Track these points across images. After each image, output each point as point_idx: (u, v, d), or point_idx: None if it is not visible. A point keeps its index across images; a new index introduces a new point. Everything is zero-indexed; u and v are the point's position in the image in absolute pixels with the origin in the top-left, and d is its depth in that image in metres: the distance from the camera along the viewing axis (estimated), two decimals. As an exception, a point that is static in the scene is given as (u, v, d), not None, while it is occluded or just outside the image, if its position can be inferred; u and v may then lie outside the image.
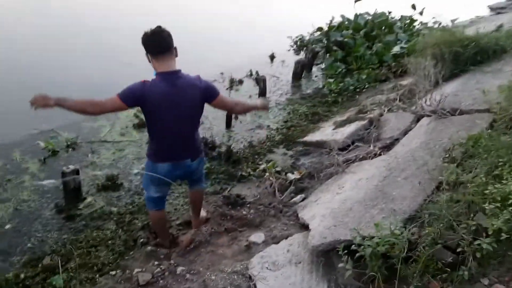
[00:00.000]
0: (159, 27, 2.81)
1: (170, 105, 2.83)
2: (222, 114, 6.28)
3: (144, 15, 11.71)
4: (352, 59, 8.73)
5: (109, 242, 3.69)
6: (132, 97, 2.77)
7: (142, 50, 2.85)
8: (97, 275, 3.29)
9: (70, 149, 5.19)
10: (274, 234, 3.49)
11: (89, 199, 4.29)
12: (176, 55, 2.89)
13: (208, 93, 2.97)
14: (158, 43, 2.79)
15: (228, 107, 3.31)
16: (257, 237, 3.49)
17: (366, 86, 7.42)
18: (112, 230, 3.87)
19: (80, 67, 8.00)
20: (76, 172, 4.15)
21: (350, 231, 2.79)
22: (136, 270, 3.25)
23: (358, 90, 7.38)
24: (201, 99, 2.95)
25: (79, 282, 3.22)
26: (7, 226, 3.89)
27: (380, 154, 4.41)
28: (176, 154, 3.06)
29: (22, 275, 3.31)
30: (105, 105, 2.78)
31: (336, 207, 3.37)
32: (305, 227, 3.45)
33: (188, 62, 8.47)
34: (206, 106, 3.07)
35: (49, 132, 5.54)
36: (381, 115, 5.51)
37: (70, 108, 2.75)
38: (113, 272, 3.30)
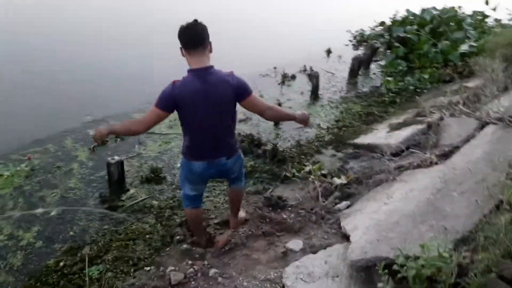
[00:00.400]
0: (195, 21, 2.70)
1: (200, 103, 2.74)
2: (271, 111, 6.14)
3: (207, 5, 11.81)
4: (415, 56, 8.27)
5: (147, 236, 3.68)
6: (167, 103, 2.73)
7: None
8: (132, 270, 3.28)
9: (119, 139, 5.27)
10: (313, 243, 3.30)
11: (132, 190, 4.32)
12: (211, 51, 2.78)
13: (239, 91, 2.81)
14: (191, 37, 2.69)
15: (259, 109, 2.94)
16: (295, 244, 3.31)
17: (428, 86, 6.99)
18: (151, 224, 3.86)
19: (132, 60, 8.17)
20: (121, 163, 4.18)
21: (394, 250, 2.55)
22: (169, 268, 3.20)
23: (418, 90, 6.94)
24: (233, 96, 2.81)
25: (114, 275, 3.23)
26: (53, 213, 3.99)
27: (436, 163, 4.06)
28: (209, 152, 2.96)
29: (61, 263, 3.38)
30: (147, 119, 2.79)
31: (382, 219, 3.13)
32: (346, 237, 3.23)
33: (242, 55, 8.45)
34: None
35: (101, 121, 5.68)
36: (441, 119, 5.12)
37: (119, 132, 3.09)
38: (148, 268, 3.27)
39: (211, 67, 2.77)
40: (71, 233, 3.77)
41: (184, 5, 12.83)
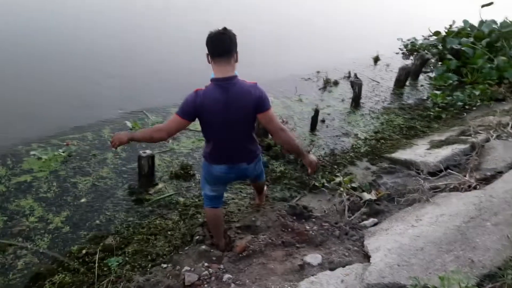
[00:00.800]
0: (224, 29, 2.72)
1: (221, 113, 2.76)
2: (308, 115, 6.05)
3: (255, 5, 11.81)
4: (468, 71, 7.86)
5: (169, 233, 3.71)
6: (189, 111, 2.77)
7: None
8: (150, 265, 3.32)
9: (155, 134, 5.35)
10: (333, 259, 3.19)
11: (160, 185, 4.37)
12: (236, 60, 2.78)
13: (259, 103, 2.80)
14: (217, 45, 2.70)
15: (273, 127, 2.90)
16: (314, 258, 3.22)
17: (478, 104, 6.61)
18: (174, 221, 3.88)
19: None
20: (151, 157, 4.24)
21: (412, 279, 2.41)
22: (185, 268, 3.21)
23: (467, 107, 6.60)
24: (253, 107, 2.80)
25: (131, 268, 3.28)
26: (83, 200, 4.11)
27: (475, 188, 3.83)
28: (230, 158, 3.03)
29: (84, 251, 3.47)
30: (169, 127, 2.86)
31: (406, 243, 2.98)
32: (368, 257, 3.11)
33: (286, 57, 8.36)
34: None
35: (139, 113, 5.80)
36: (487, 140, 4.83)
37: (140, 140, 3.23)
38: (164, 265, 3.29)
39: (235, 77, 2.78)
40: (97, 221, 3.87)
41: (234, 4, 12.92)
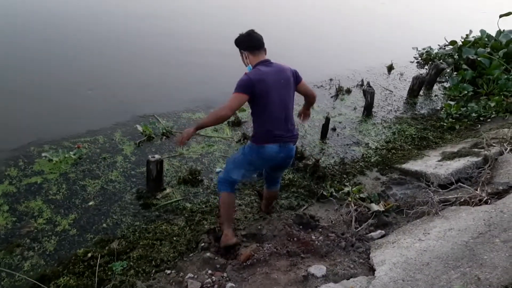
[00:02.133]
0: (253, 30, 3.39)
1: (273, 82, 3.26)
2: (319, 123, 6.02)
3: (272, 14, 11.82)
4: (483, 81, 7.72)
5: (174, 239, 3.71)
6: (247, 86, 3.19)
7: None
8: (154, 271, 3.33)
9: (164, 137, 5.38)
10: (337, 271, 3.15)
11: (168, 190, 4.39)
12: (265, 54, 3.43)
13: (297, 75, 3.47)
14: (256, 40, 3.37)
15: (309, 90, 3.66)
16: (318, 269, 3.18)
17: (493, 115, 6.48)
18: (181, 226, 3.89)
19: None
20: (160, 162, 4.26)
21: (416, 295, 2.37)
22: (189, 275, 3.21)
23: (481, 119, 6.48)
24: (294, 78, 3.42)
25: (135, 273, 3.28)
26: (91, 203, 4.14)
27: (486, 202, 3.75)
28: (282, 131, 3.34)
29: (89, 254, 3.49)
30: (231, 103, 3.19)
31: (412, 257, 2.93)
32: (373, 270, 3.07)
33: (300, 63, 8.35)
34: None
35: (151, 117, 5.83)
36: (500, 154, 4.73)
37: (207, 124, 3.47)
38: (168, 272, 3.30)
39: (270, 60, 3.41)
40: (104, 225, 3.90)
41: (253, 11, 12.97)
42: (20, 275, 3.25)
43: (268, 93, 3.23)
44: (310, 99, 3.73)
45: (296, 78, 3.45)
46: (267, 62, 3.35)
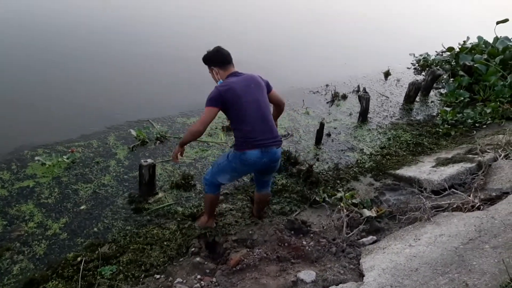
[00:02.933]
0: (220, 47, 3.55)
1: (241, 87, 3.34)
2: (314, 129, 6.01)
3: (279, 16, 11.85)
4: (480, 88, 7.74)
5: (165, 243, 3.68)
6: (215, 99, 3.29)
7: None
8: (143, 275, 3.30)
9: (158, 142, 5.38)
10: (326, 277, 3.13)
11: (160, 194, 4.38)
12: (233, 67, 3.55)
13: (268, 84, 3.58)
14: (225, 55, 3.51)
15: (280, 99, 3.74)
16: (307, 275, 3.16)
17: (489, 122, 6.48)
18: (172, 231, 3.86)
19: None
20: (152, 166, 4.24)
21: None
22: (177, 279, 3.20)
23: (477, 125, 6.47)
24: (266, 86, 3.53)
25: (124, 277, 3.26)
26: (82, 207, 4.13)
27: (478, 208, 3.74)
28: (262, 135, 3.37)
29: (79, 258, 3.47)
30: (202, 119, 3.32)
31: (401, 263, 2.92)
32: (362, 276, 3.05)
33: (295, 69, 8.35)
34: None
35: (145, 122, 5.83)
36: (494, 160, 4.73)
37: (186, 140, 3.59)
38: (158, 276, 3.28)
39: (239, 71, 3.53)
40: (95, 229, 3.88)
41: (249, 17, 13.02)
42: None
43: (240, 97, 3.31)
44: (279, 108, 3.82)
45: (267, 86, 3.56)
46: (236, 73, 3.48)
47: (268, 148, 3.38)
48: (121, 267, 3.37)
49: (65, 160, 4.70)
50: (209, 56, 3.51)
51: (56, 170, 4.59)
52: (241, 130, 3.38)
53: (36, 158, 4.65)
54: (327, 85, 8.01)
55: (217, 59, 3.49)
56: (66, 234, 3.78)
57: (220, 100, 3.29)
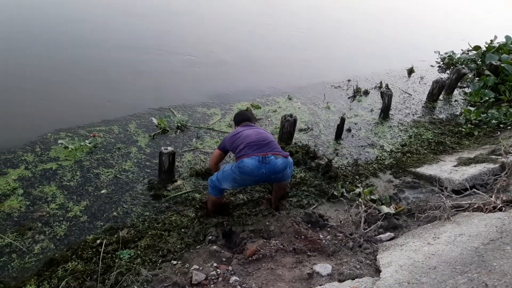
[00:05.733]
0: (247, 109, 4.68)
1: (247, 130, 3.79)
2: (334, 124, 5.97)
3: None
4: (506, 88, 7.55)
5: (182, 230, 3.73)
6: (222, 143, 3.88)
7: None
8: (160, 260, 3.35)
9: (179, 131, 5.41)
10: (343, 270, 3.12)
11: (178, 182, 4.41)
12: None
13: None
14: (244, 116, 4.19)
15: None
16: (323, 268, 3.16)
17: (514, 123, 6.33)
18: (190, 218, 3.90)
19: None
20: (172, 154, 4.28)
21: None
22: (194, 266, 3.23)
23: (501, 126, 6.32)
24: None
25: (142, 262, 3.31)
26: (103, 191, 4.20)
27: (500, 209, 3.67)
28: (260, 148, 3.55)
29: (98, 241, 3.53)
30: (211, 159, 4.12)
31: (419, 261, 2.89)
32: (379, 272, 3.03)
33: (319, 63, 8.29)
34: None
35: (166, 110, 5.87)
36: (518, 161, 4.62)
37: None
38: (174, 262, 3.32)
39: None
40: (115, 213, 3.94)
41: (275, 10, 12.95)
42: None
43: (242, 133, 3.73)
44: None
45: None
46: (248, 124, 3.99)
47: (266, 158, 3.51)
48: (139, 252, 3.42)
49: (87, 144, 4.77)
50: (235, 115, 4.23)
51: (79, 154, 4.67)
52: (241, 147, 3.61)
53: (59, 141, 4.74)
54: (349, 80, 7.92)
55: (238, 118, 4.14)
56: (86, 216, 3.86)
57: (224, 145, 3.84)
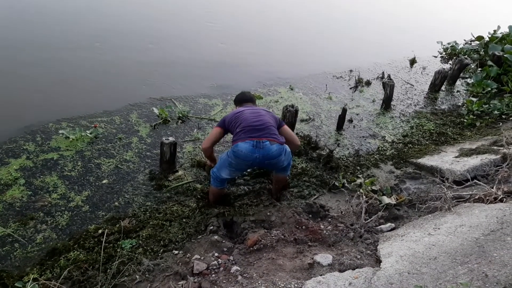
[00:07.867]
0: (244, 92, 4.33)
1: (245, 110, 3.76)
2: (336, 114, 5.96)
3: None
4: (508, 79, 7.51)
5: (184, 220, 3.74)
6: (222, 121, 3.84)
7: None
8: (161, 250, 3.36)
9: (180, 121, 5.40)
10: (343, 260, 3.13)
11: (180, 172, 4.42)
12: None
13: (278, 119, 3.92)
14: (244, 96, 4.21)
15: (293, 139, 4.01)
16: (324, 258, 3.17)
17: (516, 114, 6.30)
18: (191, 208, 3.92)
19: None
20: (173, 144, 4.28)
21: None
22: (195, 256, 3.24)
23: (504, 117, 6.30)
24: (274, 119, 3.83)
25: (143, 251, 3.33)
26: (104, 181, 4.20)
27: (501, 200, 3.67)
28: (257, 134, 3.54)
29: (100, 230, 3.55)
30: (210, 136, 3.91)
31: (420, 251, 2.90)
32: (379, 262, 3.04)
33: (321, 53, 8.25)
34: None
35: (167, 100, 5.86)
36: (520, 152, 4.61)
37: (205, 156, 4.20)
38: (176, 252, 3.34)
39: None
40: (116, 203, 3.95)
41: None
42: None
43: (242, 113, 3.71)
44: (291, 146, 3.91)
45: (279, 122, 3.86)
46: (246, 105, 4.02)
47: (260, 142, 3.51)
48: (140, 241, 3.44)
49: (88, 134, 4.77)
50: (236, 97, 4.28)
51: (80, 144, 4.67)
52: (237, 131, 3.62)
53: (60, 131, 4.73)
54: (351, 71, 7.89)
55: (238, 99, 4.18)
56: (88, 206, 3.87)
57: (223, 122, 3.80)
